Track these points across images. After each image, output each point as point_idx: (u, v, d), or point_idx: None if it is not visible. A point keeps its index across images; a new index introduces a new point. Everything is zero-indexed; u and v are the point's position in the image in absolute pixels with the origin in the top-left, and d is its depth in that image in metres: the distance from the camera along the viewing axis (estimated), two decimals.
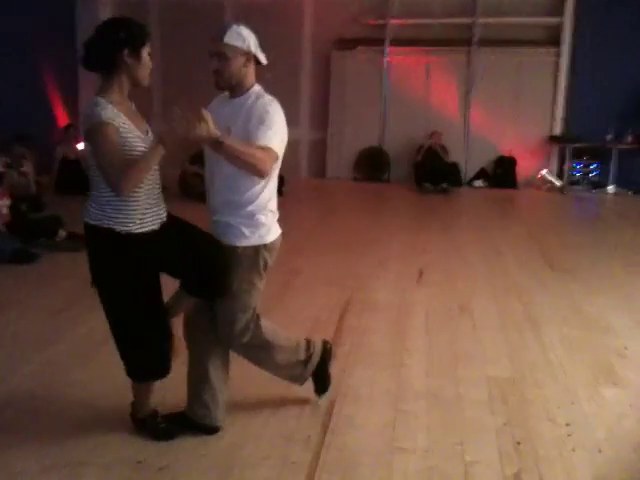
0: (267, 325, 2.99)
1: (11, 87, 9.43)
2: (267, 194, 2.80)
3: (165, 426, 2.92)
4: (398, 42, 10.96)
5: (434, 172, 10.34)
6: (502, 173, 10.92)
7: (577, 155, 10.63)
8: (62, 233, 6.27)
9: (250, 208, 2.76)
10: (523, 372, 3.66)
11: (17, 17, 9.72)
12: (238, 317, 2.84)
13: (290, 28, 11.08)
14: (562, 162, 10.78)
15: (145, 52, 2.59)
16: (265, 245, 2.82)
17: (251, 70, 2.78)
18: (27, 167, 8.17)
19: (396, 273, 5.65)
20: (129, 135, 2.51)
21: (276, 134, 2.66)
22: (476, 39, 10.76)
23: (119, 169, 2.40)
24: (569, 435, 2.99)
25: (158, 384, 2.87)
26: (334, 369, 3.31)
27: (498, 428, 3.04)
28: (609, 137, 10.26)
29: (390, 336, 4.19)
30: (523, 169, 10.87)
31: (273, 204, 2.86)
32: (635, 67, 10.15)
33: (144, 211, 2.57)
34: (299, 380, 3.16)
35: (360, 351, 3.88)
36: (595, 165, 10.68)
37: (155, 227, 2.62)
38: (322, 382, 3.21)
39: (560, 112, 10.77)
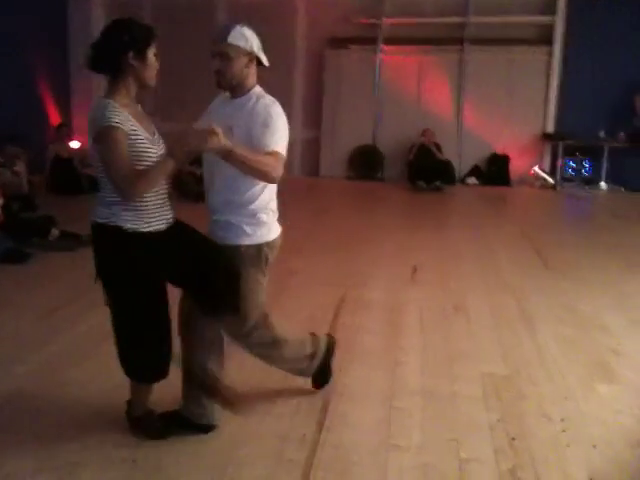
0: (275, 321, 3.03)
1: (3, 87, 9.39)
2: (268, 194, 2.82)
3: (160, 425, 2.91)
4: (391, 41, 10.98)
5: (427, 170, 10.35)
6: (495, 171, 10.96)
7: (570, 152, 10.67)
8: (55, 232, 6.25)
9: (252, 207, 2.78)
10: (518, 369, 3.67)
11: (8, 17, 9.67)
12: (248, 315, 2.86)
13: (283, 27, 11.07)
14: (555, 159, 10.82)
15: (151, 53, 2.59)
16: (267, 243, 2.85)
17: (253, 71, 2.81)
18: (20, 166, 8.13)
19: (390, 271, 5.65)
20: (138, 138, 2.51)
21: (281, 138, 2.70)
22: (468, 38, 10.77)
23: (128, 177, 2.44)
24: (564, 431, 3.00)
25: (155, 383, 2.86)
26: None
27: (493, 425, 3.05)
28: (601, 134, 10.30)
29: (384, 334, 4.20)
30: (516, 167, 10.91)
31: (274, 203, 2.89)
32: (627, 64, 10.19)
33: (152, 211, 2.58)
34: (305, 373, 3.22)
35: (355, 349, 3.88)
36: (587, 162, 10.73)
37: (161, 227, 2.62)
38: (323, 376, 3.26)
39: (552, 110, 10.80)
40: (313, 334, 3.27)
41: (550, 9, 10.54)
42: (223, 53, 2.71)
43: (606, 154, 10.47)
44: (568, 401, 3.30)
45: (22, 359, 3.71)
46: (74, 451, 2.78)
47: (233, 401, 2.90)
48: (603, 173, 10.57)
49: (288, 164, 2.89)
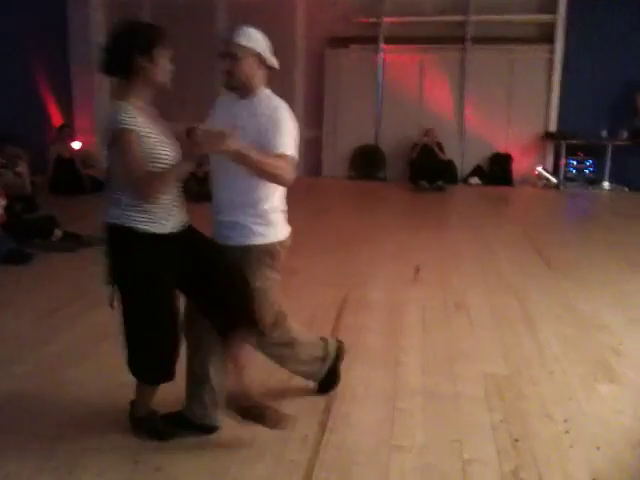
0: (289, 322, 3.05)
1: (4, 87, 9.41)
2: (278, 194, 2.85)
3: (162, 426, 2.91)
4: (391, 40, 10.96)
5: (430, 170, 10.35)
6: (498, 170, 10.95)
7: (572, 152, 10.65)
8: (58, 233, 6.27)
9: (263, 207, 2.80)
10: (519, 369, 3.66)
11: (9, 17, 9.69)
12: (264, 315, 2.87)
13: (283, 27, 11.06)
14: (557, 159, 10.80)
15: (161, 54, 2.58)
16: (279, 242, 2.87)
17: (261, 72, 2.82)
18: (22, 167, 8.15)
19: (392, 271, 5.65)
20: (152, 140, 2.53)
21: (291, 140, 2.72)
22: (469, 37, 10.76)
23: (143, 178, 2.47)
24: (566, 432, 3.00)
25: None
26: None
27: (495, 425, 3.04)
28: (604, 133, 10.29)
29: (386, 334, 4.19)
30: (519, 166, 10.89)
31: (284, 204, 2.92)
32: (628, 63, 10.18)
33: (165, 213, 2.59)
34: (316, 376, 3.23)
35: (357, 349, 3.87)
36: (590, 162, 10.71)
37: (175, 230, 2.63)
38: (330, 381, 3.26)
39: (555, 109, 10.79)
40: (323, 338, 3.30)
41: (551, 7, 10.52)
42: (233, 54, 2.73)
43: (609, 153, 10.45)
44: (570, 401, 3.29)
45: (22, 359, 3.71)
46: (74, 452, 2.78)
47: (268, 417, 2.84)
48: (606, 172, 10.55)
49: None
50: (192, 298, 2.80)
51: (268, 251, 2.83)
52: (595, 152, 10.59)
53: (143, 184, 2.47)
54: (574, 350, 3.95)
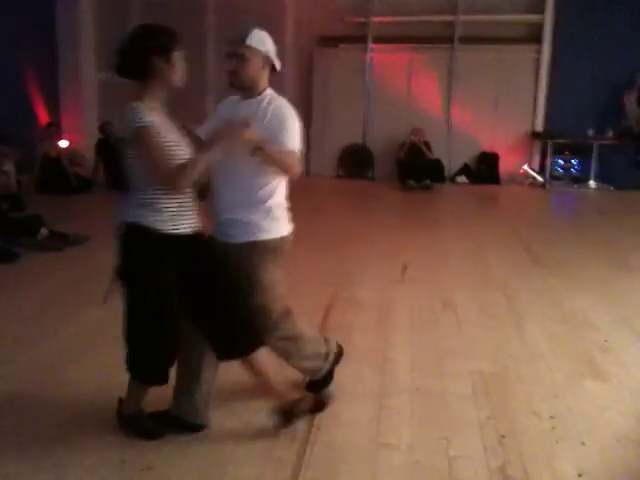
0: (294, 317, 3.09)
1: None
2: (281, 191, 2.93)
3: (150, 425, 2.90)
4: (380, 39, 10.99)
5: (417, 169, 10.39)
6: (485, 169, 11.01)
7: (559, 151, 10.72)
8: (44, 231, 6.22)
9: (267, 205, 2.86)
10: (507, 366, 3.68)
11: None
12: (272, 308, 2.92)
13: (273, 26, 10.90)
14: (544, 158, 10.87)
15: (176, 56, 2.63)
16: (282, 238, 2.94)
17: (266, 73, 2.88)
18: (8, 166, 8.08)
19: (380, 270, 5.66)
20: (167, 140, 2.56)
21: (298, 137, 2.84)
22: (458, 36, 10.80)
23: (172, 170, 2.52)
24: (553, 428, 3.02)
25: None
26: None
27: (482, 422, 3.06)
28: (590, 133, 10.35)
29: (374, 332, 4.20)
30: (506, 165, 10.95)
31: (285, 201, 2.99)
32: (615, 63, 10.24)
33: (180, 214, 2.63)
34: (319, 373, 3.22)
35: (345, 348, 3.85)
36: (576, 161, 10.78)
37: (188, 231, 2.66)
38: (325, 380, 3.25)
39: (542, 108, 10.85)
40: (325, 337, 3.34)
41: (539, 8, 10.59)
42: (240, 54, 2.78)
43: (595, 152, 10.53)
44: (556, 398, 3.31)
45: (10, 359, 3.69)
46: (63, 452, 2.77)
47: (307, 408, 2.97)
48: (592, 171, 10.62)
49: None
50: (187, 307, 2.75)
51: (272, 246, 2.89)
52: (581, 151, 10.67)
53: (173, 174, 2.53)
54: (561, 347, 3.98)
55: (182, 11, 11.41)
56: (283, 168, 2.80)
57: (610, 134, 10.38)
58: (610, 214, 8.61)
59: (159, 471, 2.65)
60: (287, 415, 2.90)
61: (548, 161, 10.69)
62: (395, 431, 2.98)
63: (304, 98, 11.29)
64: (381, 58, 11.17)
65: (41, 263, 5.75)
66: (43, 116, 10.95)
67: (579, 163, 10.78)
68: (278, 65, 2.90)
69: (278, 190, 2.90)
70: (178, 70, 2.65)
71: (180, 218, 2.63)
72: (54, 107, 11.25)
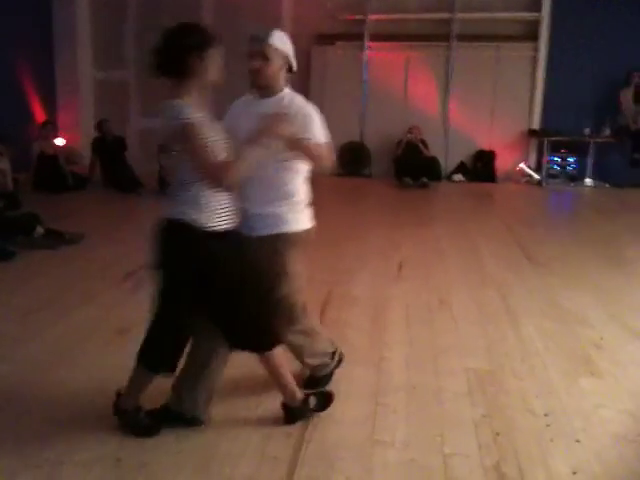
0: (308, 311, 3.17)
1: None
2: (305, 186, 3.02)
3: (147, 422, 2.91)
4: (377, 37, 10.98)
5: (414, 167, 10.38)
6: (481, 167, 11.00)
7: (555, 149, 10.72)
8: (40, 230, 6.20)
9: (295, 199, 2.96)
10: (502, 364, 3.69)
11: None
12: (296, 299, 3.01)
13: (269, 24, 10.95)
14: (540, 156, 10.87)
15: (213, 54, 2.66)
16: (306, 230, 3.02)
17: (284, 73, 2.96)
18: (4, 164, 8.06)
19: (376, 267, 5.67)
20: (211, 136, 2.59)
21: (325, 131, 2.96)
22: (454, 34, 10.79)
23: (221, 165, 2.55)
24: (547, 425, 3.02)
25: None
26: None
27: (477, 419, 3.06)
28: (586, 131, 10.36)
29: (370, 330, 4.20)
30: (502, 163, 10.95)
31: (309, 197, 3.08)
32: (612, 61, 10.25)
33: (221, 210, 2.66)
34: (323, 370, 3.31)
35: (340, 345, 3.87)
36: (573, 159, 10.78)
37: (229, 227, 2.70)
38: (324, 380, 3.33)
39: (538, 106, 10.85)
40: (329, 338, 3.40)
41: (535, 5, 10.58)
42: (263, 53, 2.84)
43: (591, 151, 10.54)
44: (551, 395, 3.32)
45: (5, 358, 3.68)
46: (57, 449, 2.77)
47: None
48: (588, 169, 10.63)
49: None
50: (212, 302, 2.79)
51: (297, 239, 2.97)
52: (578, 149, 10.67)
53: (220, 171, 2.56)
54: (556, 345, 3.98)
55: (178, 10, 11.39)
56: (318, 160, 2.88)
57: (607, 132, 10.38)
58: (606, 212, 8.62)
59: (154, 469, 2.65)
60: (295, 412, 2.96)
61: (545, 159, 10.69)
62: (390, 429, 2.98)
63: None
64: (378, 56, 11.16)
65: (37, 261, 5.74)
66: (40, 114, 10.92)
67: (575, 161, 10.78)
68: (295, 66, 2.99)
69: (302, 184, 3.00)
70: (215, 68, 2.67)
71: (221, 214, 2.66)
72: (51, 105, 11.22)
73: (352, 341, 3.99)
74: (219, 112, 2.93)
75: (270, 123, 2.65)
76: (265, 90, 2.94)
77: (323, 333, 3.34)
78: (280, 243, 2.91)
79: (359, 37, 11.02)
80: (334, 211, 8.29)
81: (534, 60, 10.72)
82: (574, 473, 2.66)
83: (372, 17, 10.95)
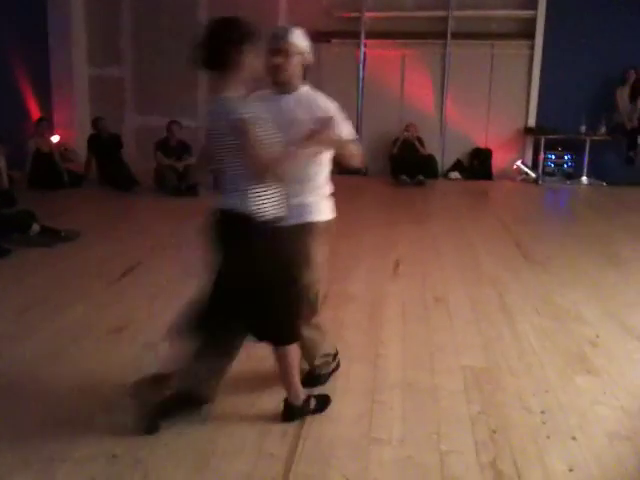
0: None
1: None
2: (328, 177, 3.13)
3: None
4: (373, 35, 10.96)
5: (410, 164, 10.37)
6: (478, 165, 11.00)
7: (551, 147, 10.73)
8: (35, 227, 6.17)
9: (323, 190, 3.09)
10: (498, 361, 3.69)
11: None
12: (319, 288, 3.12)
13: (265, 21, 10.96)
14: (536, 154, 10.88)
15: (254, 48, 2.71)
16: (331, 220, 3.14)
17: (301, 70, 3.00)
18: None
19: (372, 265, 5.67)
20: (264, 130, 2.64)
21: (349, 126, 3.02)
22: (450, 32, 10.79)
23: (276, 159, 2.65)
24: (543, 423, 3.03)
25: None
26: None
27: (473, 417, 3.06)
28: (582, 129, 10.37)
29: (366, 328, 4.21)
30: (498, 161, 10.95)
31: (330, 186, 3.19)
32: (607, 59, 10.26)
33: (277, 199, 2.76)
34: (326, 368, 3.36)
35: (337, 343, 3.87)
36: (569, 157, 10.79)
37: (282, 215, 2.79)
38: (322, 379, 3.35)
39: (534, 104, 10.86)
40: None
41: (531, 3, 10.57)
42: (285, 50, 2.91)
43: (587, 148, 10.55)
44: (547, 393, 3.32)
45: (0, 355, 3.67)
46: (53, 447, 2.76)
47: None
48: (584, 167, 10.64)
49: None
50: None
51: (324, 228, 3.08)
52: (574, 147, 10.68)
53: (269, 165, 2.64)
54: (552, 342, 3.99)
55: (174, 7, 11.38)
56: (352, 157, 3.02)
57: (602, 130, 10.39)
58: (602, 210, 8.63)
59: (150, 465, 2.65)
60: (296, 410, 2.98)
61: (541, 157, 10.70)
62: (386, 426, 2.99)
63: None
64: (374, 54, 11.15)
65: (32, 259, 5.72)
66: (35, 111, 10.88)
67: (571, 159, 10.79)
68: (311, 61, 3.03)
69: (327, 176, 3.11)
70: (255, 61, 2.73)
71: (274, 205, 2.74)
72: (46, 102, 11.18)
73: (348, 338, 3.99)
74: None
75: (321, 128, 2.75)
76: (284, 86, 2.99)
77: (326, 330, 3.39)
78: (305, 232, 3.01)
79: (355, 35, 11.00)
80: None
81: (530, 58, 10.72)
82: (570, 470, 2.66)
83: (368, 15, 10.93)
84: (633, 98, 10.38)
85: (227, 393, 3.21)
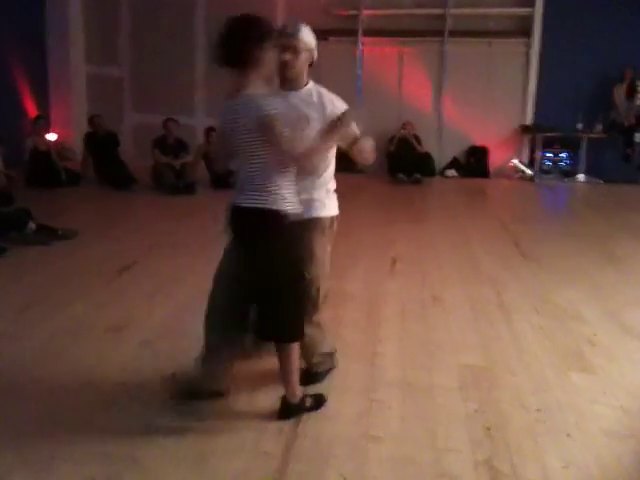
0: None
1: None
2: (333, 172, 3.16)
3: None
4: (370, 33, 10.97)
5: (407, 162, 10.39)
6: (475, 163, 11.02)
7: (548, 144, 10.74)
8: (32, 225, 6.17)
9: (328, 186, 3.12)
10: (495, 360, 3.70)
11: None
12: (321, 284, 3.16)
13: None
14: (533, 152, 10.89)
15: (274, 46, 2.80)
16: (336, 216, 3.17)
17: (307, 67, 3.07)
18: None
19: (369, 264, 5.67)
20: (287, 122, 2.71)
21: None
22: (448, 30, 10.79)
23: (304, 152, 2.74)
24: (540, 421, 3.03)
25: None
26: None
27: (470, 415, 3.07)
28: (579, 126, 10.38)
29: (364, 327, 4.21)
30: (495, 159, 10.97)
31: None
32: (604, 56, 10.27)
33: (293, 196, 2.82)
34: (323, 366, 3.38)
35: (335, 342, 3.88)
36: (565, 154, 10.81)
37: (300, 211, 2.87)
38: (319, 377, 3.36)
39: (531, 102, 10.87)
40: None
41: (528, 1, 10.59)
42: (294, 46, 2.96)
43: (584, 146, 10.56)
44: (544, 391, 3.33)
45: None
46: (49, 446, 2.76)
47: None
48: (581, 165, 10.66)
49: None
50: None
51: (328, 223, 3.12)
52: (571, 145, 10.69)
53: (308, 158, 2.77)
54: (549, 341, 4.00)
55: (171, 5, 11.37)
56: (366, 153, 3.04)
57: (599, 128, 10.41)
58: (599, 208, 8.65)
59: (145, 465, 2.65)
60: (292, 408, 2.99)
61: (537, 155, 10.71)
62: (383, 424, 2.99)
63: None
64: (371, 51, 11.16)
65: (29, 258, 5.71)
66: (32, 109, 10.87)
67: (568, 157, 10.81)
68: (315, 60, 3.09)
69: (333, 171, 3.14)
70: (272, 59, 2.81)
71: (292, 201, 2.81)
72: (43, 100, 11.17)
73: (346, 337, 3.99)
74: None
75: (341, 122, 2.80)
76: (292, 82, 3.03)
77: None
78: (311, 228, 3.04)
79: (353, 33, 11.00)
80: None
81: (527, 56, 10.74)
82: (566, 468, 2.67)
83: (366, 12, 10.94)
84: (630, 95, 10.39)
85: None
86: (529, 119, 10.92)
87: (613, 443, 2.87)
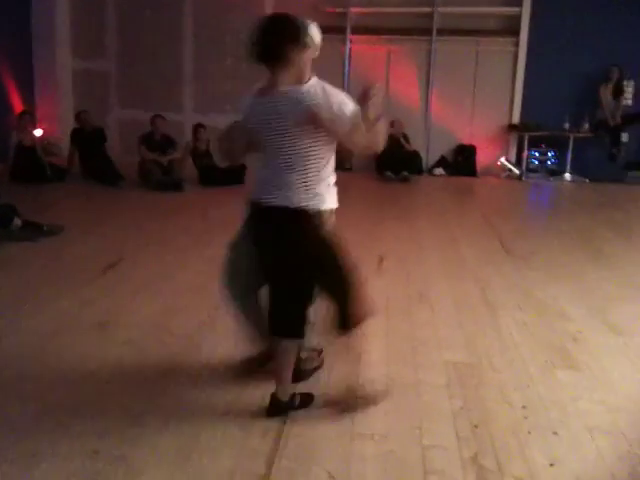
0: None
1: None
2: (333, 165, 3.21)
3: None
4: (359, 30, 10.97)
5: (395, 161, 10.40)
6: (462, 161, 11.06)
7: (535, 143, 10.80)
8: (17, 222, 6.11)
9: (329, 179, 3.15)
10: (480, 356, 3.71)
11: None
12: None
13: (251, 16, 10.98)
14: (520, 150, 10.95)
15: (307, 44, 2.88)
16: (334, 209, 3.21)
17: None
18: None
19: (356, 261, 5.65)
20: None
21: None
22: (436, 28, 10.81)
23: (354, 131, 2.87)
24: (525, 418, 3.05)
25: None
26: None
27: (455, 412, 3.08)
28: (566, 125, 10.44)
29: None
30: (483, 157, 11.01)
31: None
32: (591, 56, 10.34)
33: (332, 191, 2.97)
34: (310, 363, 3.44)
35: (319, 338, 3.88)
36: (552, 153, 10.87)
37: (335, 206, 3.03)
38: (305, 375, 3.37)
39: (518, 101, 10.92)
40: None
41: (516, 0, 10.63)
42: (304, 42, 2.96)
43: (571, 145, 10.63)
44: (529, 388, 3.35)
45: None
46: (33, 443, 2.74)
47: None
48: (567, 164, 10.72)
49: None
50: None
51: (329, 216, 3.16)
52: (557, 144, 10.76)
53: (363, 135, 2.89)
54: (534, 338, 4.02)
55: (159, 1, 11.32)
56: (380, 135, 3.10)
57: (586, 127, 10.48)
58: (585, 206, 8.70)
59: (132, 461, 2.63)
60: (282, 406, 3.00)
61: (524, 154, 10.77)
62: (369, 421, 2.99)
63: None
64: (360, 49, 11.16)
65: (14, 254, 5.67)
66: (17, 104, 10.79)
67: (555, 156, 10.88)
68: (315, 55, 3.09)
69: (333, 166, 3.19)
70: (305, 56, 2.90)
71: (333, 195, 2.95)
72: (29, 95, 11.09)
73: (332, 334, 3.98)
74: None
75: (370, 92, 2.91)
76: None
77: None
78: (318, 219, 3.07)
79: (341, 30, 10.99)
80: None
81: (515, 55, 10.79)
82: (551, 465, 2.68)
83: (354, 10, 10.94)
84: (616, 95, 10.47)
85: (209, 388, 3.22)
86: (516, 118, 10.97)
87: (595, 439, 2.89)
